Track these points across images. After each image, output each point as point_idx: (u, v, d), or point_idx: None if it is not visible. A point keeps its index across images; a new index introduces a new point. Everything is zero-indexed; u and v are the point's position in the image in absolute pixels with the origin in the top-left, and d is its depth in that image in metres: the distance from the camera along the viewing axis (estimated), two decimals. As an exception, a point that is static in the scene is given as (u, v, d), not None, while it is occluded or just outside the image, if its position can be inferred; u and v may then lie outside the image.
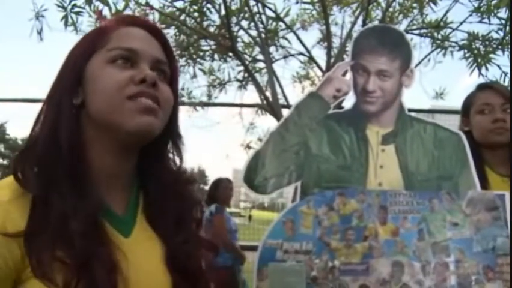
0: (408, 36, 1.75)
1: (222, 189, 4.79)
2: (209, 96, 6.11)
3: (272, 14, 5.31)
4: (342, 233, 1.48)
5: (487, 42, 4.77)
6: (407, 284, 1.44)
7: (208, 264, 1.05)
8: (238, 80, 6.06)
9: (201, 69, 5.83)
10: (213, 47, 5.56)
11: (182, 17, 5.11)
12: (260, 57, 5.69)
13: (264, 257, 1.46)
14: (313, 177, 1.57)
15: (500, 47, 4.69)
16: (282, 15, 5.33)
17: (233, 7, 5.05)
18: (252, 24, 5.26)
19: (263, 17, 5.37)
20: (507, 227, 1.48)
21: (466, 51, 4.84)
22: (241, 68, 5.68)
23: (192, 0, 4.91)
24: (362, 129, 1.60)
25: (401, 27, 5.10)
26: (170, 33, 5.14)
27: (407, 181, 1.56)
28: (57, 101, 0.88)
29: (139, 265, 0.86)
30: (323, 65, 5.33)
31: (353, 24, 5.33)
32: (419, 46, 5.27)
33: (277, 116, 4.84)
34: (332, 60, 5.04)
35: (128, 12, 4.44)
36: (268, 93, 5.29)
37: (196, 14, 5.09)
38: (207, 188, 5.11)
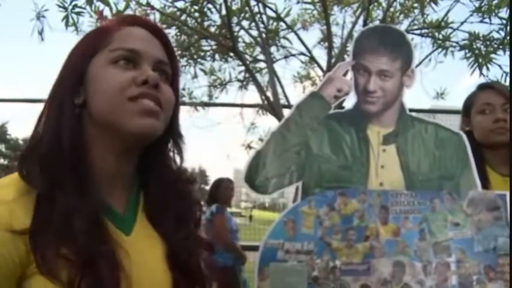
0: (409, 36, 1.75)
1: (222, 189, 4.79)
2: (210, 96, 6.12)
3: (273, 14, 5.31)
4: (343, 233, 1.48)
5: (488, 42, 4.77)
6: (408, 284, 1.44)
7: (209, 263, 1.06)
8: (239, 80, 6.06)
9: (202, 70, 5.84)
10: (214, 47, 5.56)
11: (183, 17, 5.11)
12: (261, 57, 5.69)
13: (265, 257, 1.46)
14: (315, 177, 1.57)
15: (501, 46, 4.69)
16: (282, 15, 5.33)
17: (234, 7, 5.05)
18: (253, 24, 5.26)
19: (264, 17, 5.38)
20: (508, 227, 1.48)
21: (467, 51, 4.84)
22: (242, 68, 5.68)
23: (193, 0, 4.91)
24: (363, 129, 1.60)
25: (402, 27, 5.10)
26: (171, 33, 5.14)
27: (408, 181, 1.56)
28: (59, 101, 0.88)
29: (140, 262, 0.87)
30: (324, 65, 5.34)
31: (354, 24, 5.34)
32: (420, 46, 5.29)
33: (278, 116, 4.85)
34: (333, 60, 5.05)
35: (129, 12, 4.45)
36: (269, 93, 5.29)
37: (197, 14, 5.09)
38: (207, 188, 5.11)
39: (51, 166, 0.82)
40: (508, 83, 4.45)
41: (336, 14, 5.84)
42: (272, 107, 5.07)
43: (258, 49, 5.64)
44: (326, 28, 5.29)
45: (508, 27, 4.53)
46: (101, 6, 4.25)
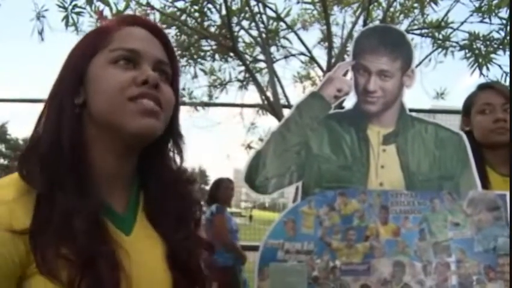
0: (409, 36, 1.75)
1: (222, 189, 4.79)
2: (210, 96, 6.12)
3: (273, 14, 5.31)
4: (343, 233, 1.48)
5: (488, 42, 4.77)
6: (408, 284, 1.44)
7: (209, 263, 1.06)
8: (239, 80, 6.06)
9: (202, 70, 5.84)
10: (214, 47, 5.56)
11: (183, 17, 5.11)
12: (261, 57, 5.69)
13: (265, 257, 1.46)
14: (315, 177, 1.57)
15: (501, 46, 4.69)
16: (282, 15, 5.33)
17: (234, 7, 5.05)
18: (253, 24, 5.26)
19: (264, 17, 5.38)
20: (508, 227, 1.48)
21: (467, 51, 4.84)
22: (242, 68, 5.68)
23: (193, 0, 4.91)
24: (363, 129, 1.60)
25: (402, 27, 5.10)
26: (171, 33, 5.14)
27: (408, 181, 1.56)
28: (59, 101, 0.88)
29: (140, 262, 0.87)
30: (324, 65, 5.34)
31: (354, 24, 5.34)
32: (420, 46, 5.29)
33: (278, 116, 4.85)
34: (333, 60, 5.05)
35: (129, 12, 4.45)
36: (269, 93, 5.29)
37: (197, 14, 5.09)
38: (207, 188, 5.11)
39: (51, 166, 0.82)
40: (508, 83, 4.45)
41: (336, 14, 5.85)
42: (272, 107, 5.07)
43: (258, 49, 5.64)
44: (326, 28, 5.29)
45: (508, 27, 4.53)
46: (101, 6, 4.25)
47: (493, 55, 4.71)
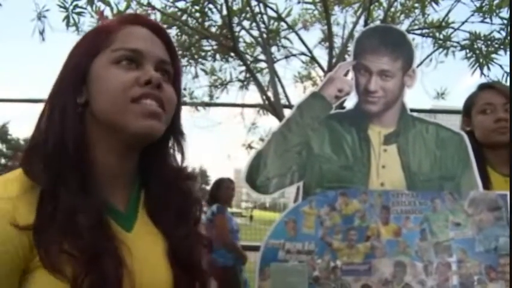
0: (410, 36, 1.75)
1: (223, 189, 4.79)
2: (211, 96, 6.11)
3: (274, 14, 5.30)
4: (344, 233, 1.48)
5: (489, 42, 4.76)
6: (409, 284, 1.44)
7: (209, 261, 1.07)
8: (239, 80, 6.06)
9: (203, 70, 5.84)
10: (215, 47, 5.55)
11: (184, 17, 5.10)
12: (262, 57, 5.68)
13: (266, 257, 1.46)
14: (316, 177, 1.57)
15: (502, 46, 4.68)
16: (283, 15, 5.33)
17: (235, 7, 5.04)
18: (254, 24, 5.25)
19: (265, 17, 5.37)
20: (509, 227, 1.48)
21: (467, 51, 4.83)
22: (243, 68, 5.68)
23: (194, 0, 4.90)
24: (364, 129, 1.60)
25: (403, 27, 5.09)
26: (172, 33, 5.13)
27: (409, 181, 1.56)
28: (61, 100, 0.89)
29: (142, 258, 0.88)
30: (325, 65, 5.33)
31: (355, 24, 5.33)
32: (421, 46, 5.28)
33: (278, 116, 4.84)
34: (334, 60, 5.04)
35: (129, 12, 4.45)
36: (269, 93, 5.29)
37: (197, 14, 5.08)
38: (208, 188, 5.11)
39: (55, 165, 0.83)
40: (509, 83, 4.45)
41: (337, 14, 5.84)
42: (273, 107, 5.06)
43: (259, 49, 5.63)
44: (326, 28, 5.29)
45: (509, 27, 4.53)
46: (102, 6, 4.26)
47: (493, 55, 4.70)
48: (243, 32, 5.44)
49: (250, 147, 6.08)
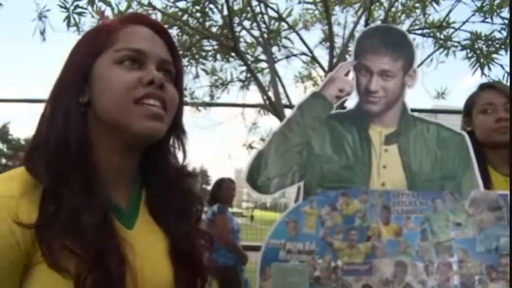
0: (411, 36, 1.75)
1: (224, 189, 4.79)
2: (211, 96, 6.10)
3: (274, 14, 5.30)
4: (345, 233, 1.48)
5: (490, 42, 4.75)
6: (410, 284, 1.44)
7: (210, 258, 1.07)
8: (240, 80, 6.05)
9: (204, 70, 5.83)
10: (216, 47, 5.55)
11: (185, 17, 5.10)
12: (262, 57, 5.68)
13: (267, 257, 1.46)
14: (316, 177, 1.57)
15: (503, 46, 4.68)
16: (284, 16, 5.32)
17: (235, 7, 5.04)
18: (255, 24, 5.24)
19: (265, 17, 5.36)
20: (510, 227, 1.48)
21: (468, 51, 4.82)
22: (244, 68, 5.67)
23: (195, 0, 4.90)
24: (365, 129, 1.61)
25: (404, 27, 5.08)
26: (172, 33, 5.13)
27: (410, 181, 1.56)
28: (64, 99, 0.89)
29: (143, 255, 0.89)
30: (325, 65, 5.32)
31: (356, 24, 5.32)
32: (422, 46, 5.26)
33: (279, 116, 4.84)
34: (335, 60, 5.03)
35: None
36: (270, 93, 5.28)
37: (198, 14, 5.08)
38: (209, 188, 5.11)
39: (58, 165, 0.84)
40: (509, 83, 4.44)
41: (338, 14, 5.83)
42: (274, 107, 5.06)
43: (260, 49, 5.62)
44: (327, 28, 5.29)
45: (510, 27, 4.52)
46: (103, 6, 4.26)
47: (494, 55, 4.69)
48: (243, 32, 5.44)
49: (251, 147, 6.07)
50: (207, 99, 6.02)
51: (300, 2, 5.55)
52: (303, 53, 5.86)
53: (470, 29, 4.88)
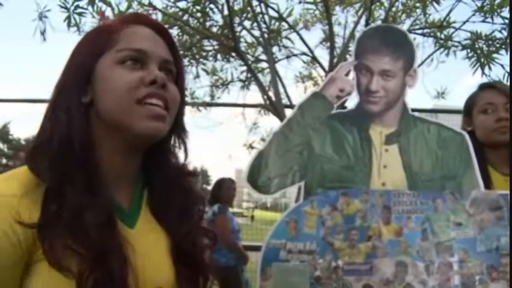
0: (411, 36, 1.75)
1: (224, 190, 4.79)
2: (212, 96, 6.10)
3: (275, 14, 5.30)
4: (345, 233, 1.48)
5: (490, 42, 4.75)
6: (410, 283, 1.44)
7: (211, 258, 1.07)
8: (241, 80, 6.05)
9: (204, 70, 5.83)
10: (216, 47, 5.55)
11: (185, 17, 5.10)
12: (263, 57, 5.67)
13: (268, 257, 1.46)
14: (317, 177, 1.57)
15: (503, 46, 4.68)
16: (284, 15, 5.32)
17: (236, 7, 5.04)
18: (255, 24, 5.24)
19: (266, 17, 5.36)
20: (510, 227, 1.48)
21: (469, 50, 4.82)
22: (244, 68, 5.67)
23: (195, 0, 4.90)
24: (365, 129, 1.61)
25: (404, 27, 5.08)
26: (173, 33, 5.11)
27: (410, 181, 1.56)
28: (66, 99, 0.90)
29: (145, 255, 0.89)
30: (326, 65, 5.32)
31: (356, 24, 5.32)
32: (422, 46, 5.26)
33: (280, 116, 4.84)
34: (335, 60, 5.03)
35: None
36: (271, 93, 5.28)
37: (199, 14, 5.08)
38: (209, 188, 5.11)
39: (61, 164, 0.84)
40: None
41: (338, 14, 5.82)
42: (274, 107, 5.06)
43: (260, 49, 5.62)
44: (328, 28, 5.28)
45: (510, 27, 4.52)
46: (103, 6, 4.26)
47: (495, 55, 4.69)
48: (244, 32, 5.44)
49: (251, 147, 6.07)
50: (208, 99, 6.02)
51: (300, 2, 5.55)
52: (304, 53, 5.86)
53: (471, 29, 4.88)
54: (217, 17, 5.10)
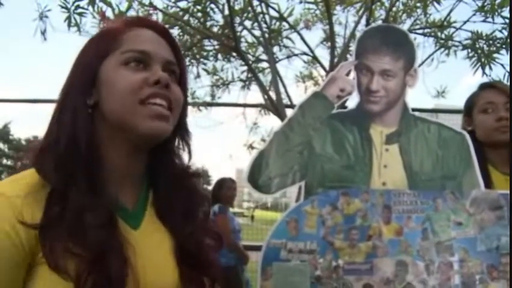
0: (412, 36, 1.75)
1: (225, 189, 4.79)
2: (212, 96, 6.11)
3: (276, 14, 5.30)
4: (346, 233, 1.48)
5: (491, 42, 4.75)
6: (411, 283, 1.44)
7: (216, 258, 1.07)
8: (241, 80, 6.05)
9: (205, 69, 5.84)
10: (217, 47, 5.55)
11: (186, 17, 5.10)
12: (263, 57, 5.68)
13: (268, 256, 1.46)
14: (317, 176, 1.57)
15: (503, 46, 4.68)
16: (285, 15, 5.33)
17: (236, 7, 5.05)
18: (256, 24, 5.25)
19: (266, 16, 5.36)
20: (510, 226, 1.48)
21: (469, 50, 4.82)
22: (245, 68, 5.68)
23: (196, 0, 4.91)
24: (366, 128, 1.61)
25: (405, 27, 5.08)
26: (173, 33, 5.11)
27: (411, 180, 1.56)
28: (72, 101, 0.91)
29: (146, 256, 0.89)
30: (326, 64, 5.32)
31: (357, 23, 5.32)
32: (423, 46, 5.27)
33: (280, 115, 4.84)
34: (336, 60, 5.04)
35: (131, 13, 4.46)
36: (271, 93, 5.28)
37: (199, 14, 5.08)
38: (210, 188, 5.10)
39: (68, 165, 0.85)
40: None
41: (339, 14, 5.83)
42: (275, 106, 5.06)
43: (261, 49, 5.63)
44: (328, 28, 5.29)
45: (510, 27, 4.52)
46: (104, 6, 4.26)
47: (495, 54, 4.69)
48: (244, 32, 5.45)
49: (252, 147, 6.08)
50: (208, 99, 6.02)
51: (301, 2, 5.55)
52: (304, 53, 5.87)
53: (471, 29, 4.89)
54: (218, 16, 5.11)
